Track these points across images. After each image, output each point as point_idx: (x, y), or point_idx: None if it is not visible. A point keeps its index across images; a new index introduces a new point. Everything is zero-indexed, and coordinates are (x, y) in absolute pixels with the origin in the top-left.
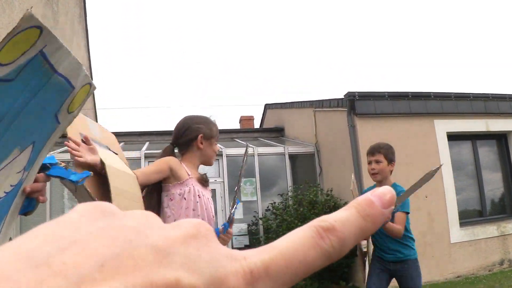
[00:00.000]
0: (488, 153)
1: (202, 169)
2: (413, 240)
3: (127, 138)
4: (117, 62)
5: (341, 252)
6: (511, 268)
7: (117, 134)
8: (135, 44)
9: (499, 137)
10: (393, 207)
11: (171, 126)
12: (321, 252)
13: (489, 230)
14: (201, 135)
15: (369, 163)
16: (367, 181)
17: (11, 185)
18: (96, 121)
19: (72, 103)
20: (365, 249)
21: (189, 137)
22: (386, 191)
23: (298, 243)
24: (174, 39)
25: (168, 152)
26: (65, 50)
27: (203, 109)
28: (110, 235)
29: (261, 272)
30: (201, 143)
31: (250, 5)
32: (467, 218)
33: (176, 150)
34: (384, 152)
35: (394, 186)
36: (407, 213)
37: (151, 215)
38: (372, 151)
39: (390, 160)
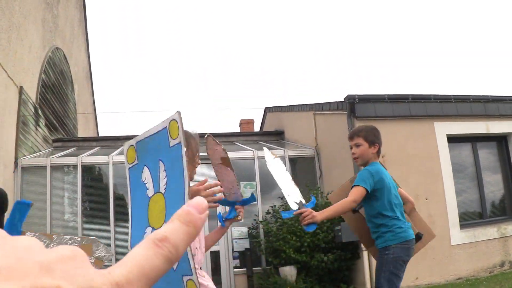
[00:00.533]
0: (488, 155)
1: (204, 174)
2: (387, 225)
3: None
4: (116, 65)
5: (177, 254)
6: (511, 269)
7: (117, 138)
8: (135, 48)
9: (499, 139)
10: (207, 212)
11: None
12: (163, 258)
13: (490, 232)
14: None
15: (350, 148)
16: None
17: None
18: (97, 125)
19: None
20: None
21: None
22: (199, 201)
23: (144, 255)
24: (174, 42)
25: None
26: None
27: (203, 112)
28: (3, 251)
29: (123, 282)
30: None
31: (250, 8)
32: (467, 220)
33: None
34: (363, 134)
35: (372, 163)
36: (362, 187)
37: (35, 240)
38: (351, 136)
39: (372, 142)
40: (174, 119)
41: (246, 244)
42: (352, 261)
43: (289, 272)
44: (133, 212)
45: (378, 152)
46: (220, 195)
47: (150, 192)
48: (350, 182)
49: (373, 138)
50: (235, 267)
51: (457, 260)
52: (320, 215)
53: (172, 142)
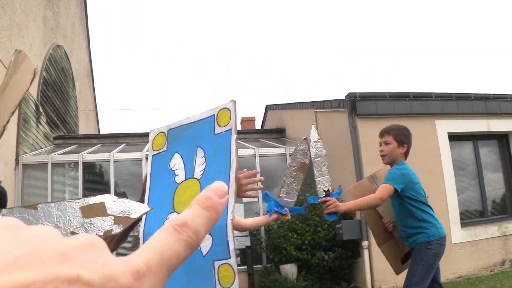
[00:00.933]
0: (489, 153)
1: None
2: (429, 221)
3: (128, 139)
4: (117, 63)
5: (198, 240)
6: None
7: (118, 136)
8: (136, 45)
9: (500, 137)
10: (227, 197)
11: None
12: (184, 244)
13: (491, 230)
14: None
15: (380, 145)
16: None
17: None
18: (98, 123)
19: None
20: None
21: None
22: (219, 185)
23: (164, 241)
24: (175, 40)
25: None
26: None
27: (204, 109)
28: (20, 240)
29: (144, 269)
30: None
31: (253, 4)
32: (468, 218)
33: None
34: (394, 133)
35: (401, 163)
36: (392, 187)
37: (51, 228)
38: (382, 133)
39: (401, 142)
40: (226, 108)
41: (247, 241)
42: (353, 259)
43: (289, 270)
44: (151, 198)
45: (407, 153)
46: (259, 185)
47: (179, 179)
48: (369, 180)
49: (403, 138)
50: None
51: (458, 259)
52: (343, 206)
53: (219, 130)
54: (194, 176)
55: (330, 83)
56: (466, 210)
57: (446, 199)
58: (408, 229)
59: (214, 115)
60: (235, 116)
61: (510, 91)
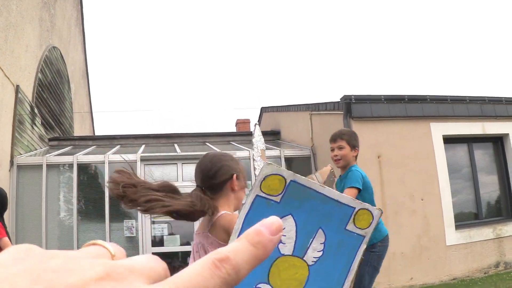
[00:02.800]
0: (484, 156)
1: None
2: None
3: (123, 141)
4: (113, 65)
5: (238, 277)
6: (506, 270)
7: (113, 137)
8: (131, 47)
9: (495, 140)
10: (281, 233)
11: (167, 129)
12: (219, 280)
13: (485, 232)
14: (235, 174)
15: (332, 150)
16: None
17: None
18: (93, 124)
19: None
20: None
21: (222, 178)
22: (274, 221)
23: (199, 275)
24: (170, 42)
25: (200, 198)
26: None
27: (199, 112)
28: (33, 275)
29: None
30: (236, 185)
31: (247, 9)
32: (463, 220)
33: None
34: (346, 138)
35: (352, 167)
36: (357, 188)
37: (70, 258)
38: (334, 138)
39: (353, 146)
40: (370, 212)
41: None
42: None
43: None
44: None
45: (357, 156)
46: None
47: (285, 249)
48: (316, 177)
49: (354, 142)
50: None
51: (452, 261)
52: None
53: (352, 227)
54: (304, 258)
55: (325, 85)
56: (460, 212)
57: (440, 201)
58: None
59: (354, 209)
60: (373, 228)
61: (505, 94)
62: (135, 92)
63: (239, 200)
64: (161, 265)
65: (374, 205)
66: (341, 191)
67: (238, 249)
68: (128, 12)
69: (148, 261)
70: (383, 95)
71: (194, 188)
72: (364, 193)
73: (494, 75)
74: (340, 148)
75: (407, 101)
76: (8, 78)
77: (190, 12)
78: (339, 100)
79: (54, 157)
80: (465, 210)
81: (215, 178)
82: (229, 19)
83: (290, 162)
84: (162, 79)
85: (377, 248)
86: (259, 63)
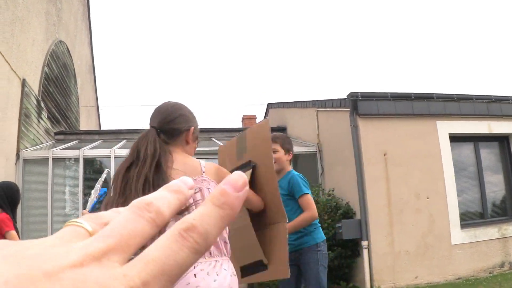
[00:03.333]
0: (490, 155)
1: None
2: (314, 224)
3: (129, 135)
4: (119, 59)
5: (207, 244)
6: (511, 270)
7: (119, 132)
8: (138, 42)
9: (501, 139)
10: (247, 188)
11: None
12: (189, 250)
13: (490, 232)
14: (192, 127)
15: None
16: (370, 181)
17: None
18: (99, 119)
19: None
20: None
21: (180, 126)
22: (237, 177)
23: (167, 249)
24: (177, 36)
25: (155, 137)
26: None
27: (205, 107)
28: (12, 261)
29: (140, 286)
30: (190, 138)
31: (254, 4)
32: (468, 219)
33: None
34: (280, 142)
35: (290, 172)
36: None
37: (47, 246)
38: None
39: (287, 150)
40: None
41: None
42: (352, 259)
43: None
44: None
45: (291, 161)
46: None
47: None
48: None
49: (288, 147)
50: None
51: (457, 260)
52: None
53: None
54: None
55: (332, 82)
56: (466, 211)
57: (446, 200)
58: (297, 232)
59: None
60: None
61: None
62: (141, 87)
63: (190, 154)
64: (140, 225)
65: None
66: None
67: (204, 214)
68: (136, 6)
69: (126, 223)
70: (390, 93)
71: (148, 129)
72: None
73: (501, 74)
74: (274, 151)
75: (414, 99)
76: (15, 72)
77: (197, 7)
78: (346, 97)
79: (60, 151)
80: (470, 210)
81: (174, 123)
82: (237, 15)
83: (296, 159)
84: (168, 74)
85: (321, 247)
86: (266, 59)
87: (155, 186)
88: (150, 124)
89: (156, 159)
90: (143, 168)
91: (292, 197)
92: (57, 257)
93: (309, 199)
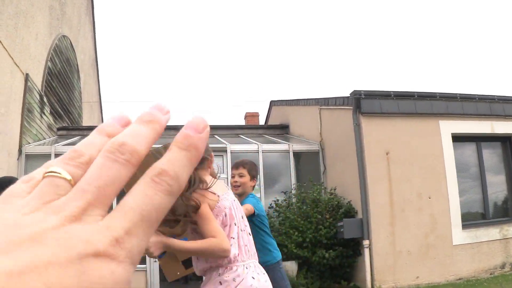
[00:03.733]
0: (492, 155)
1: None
2: (272, 244)
3: None
4: (123, 55)
5: (180, 185)
6: None
7: None
8: (142, 37)
9: (504, 140)
10: (208, 129)
11: (176, 121)
12: (164, 194)
13: (492, 233)
14: (211, 155)
15: (233, 176)
16: (372, 180)
17: None
18: (101, 114)
19: None
20: None
21: (206, 153)
22: (198, 119)
23: (143, 195)
24: (181, 32)
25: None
26: None
27: (208, 104)
28: None
29: (122, 235)
30: (211, 165)
31: (259, 2)
32: (470, 220)
33: None
34: (248, 167)
35: (252, 194)
36: (254, 209)
37: (28, 210)
38: (237, 165)
39: (253, 176)
40: None
41: None
42: (354, 258)
43: (290, 267)
44: None
45: (254, 187)
46: None
47: None
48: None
49: (254, 173)
50: None
51: (458, 261)
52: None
53: None
54: None
55: (335, 80)
56: (467, 212)
57: (448, 200)
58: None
59: None
60: None
61: None
62: (144, 83)
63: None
64: (115, 170)
65: (269, 233)
66: None
67: (172, 158)
68: (139, 1)
69: (101, 172)
70: (393, 91)
71: None
72: (265, 218)
73: (504, 74)
74: (241, 175)
75: (417, 98)
76: (18, 66)
77: (202, 4)
78: (349, 95)
79: (62, 147)
80: (472, 210)
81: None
82: (241, 12)
83: (299, 157)
84: (171, 70)
85: (281, 264)
86: (270, 56)
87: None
88: None
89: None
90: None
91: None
92: (38, 223)
93: (248, 207)
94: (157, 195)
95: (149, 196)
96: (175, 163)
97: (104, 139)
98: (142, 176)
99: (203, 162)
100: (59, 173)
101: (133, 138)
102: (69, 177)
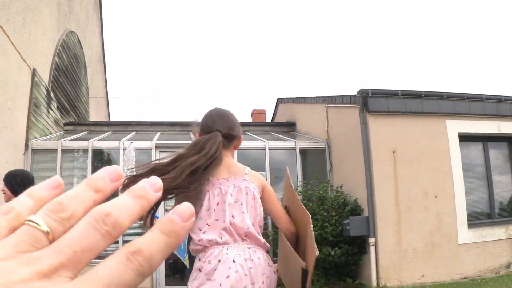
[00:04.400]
0: (498, 155)
1: None
2: None
3: (138, 128)
4: (130, 50)
5: (151, 267)
6: None
7: (128, 124)
8: (149, 33)
9: (510, 140)
10: (193, 219)
11: (182, 117)
12: (133, 273)
13: (497, 232)
14: (242, 136)
15: None
16: (378, 179)
17: None
18: (108, 110)
19: None
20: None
21: (237, 133)
22: (185, 208)
23: (113, 270)
24: (188, 29)
25: (220, 141)
26: None
27: (215, 101)
28: None
29: None
30: (238, 145)
31: None
32: (475, 219)
33: None
34: None
35: None
36: None
37: (1, 256)
38: None
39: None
40: None
41: None
42: (359, 256)
43: None
44: None
45: None
46: None
47: None
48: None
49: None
50: None
51: (464, 260)
52: None
53: None
54: None
55: (342, 78)
56: (473, 211)
57: (454, 199)
58: None
59: None
60: None
61: None
62: (151, 79)
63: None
64: (95, 239)
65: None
66: None
67: (151, 239)
68: None
69: (81, 239)
70: (400, 90)
71: (215, 132)
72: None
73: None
74: None
75: (424, 97)
76: (25, 61)
77: (210, 0)
78: (356, 94)
79: (69, 142)
80: (478, 209)
81: (234, 130)
82: (248, 8)
83: (305, 154)
84: (178, 67)
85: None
86: (277, 53)
87: (195, 181)
88: (215, 127)
89: (212, 160)
90: (200, 161)
91: None
92: (8, 273)
93: None
94: (127, 273)
95: (119, 272)
96: (152, 245)
97: (91, 194)
98: (119, 249)
99: (232, 140)
100: (38, 225)
101: (120, 211)
102: (47, 230)
